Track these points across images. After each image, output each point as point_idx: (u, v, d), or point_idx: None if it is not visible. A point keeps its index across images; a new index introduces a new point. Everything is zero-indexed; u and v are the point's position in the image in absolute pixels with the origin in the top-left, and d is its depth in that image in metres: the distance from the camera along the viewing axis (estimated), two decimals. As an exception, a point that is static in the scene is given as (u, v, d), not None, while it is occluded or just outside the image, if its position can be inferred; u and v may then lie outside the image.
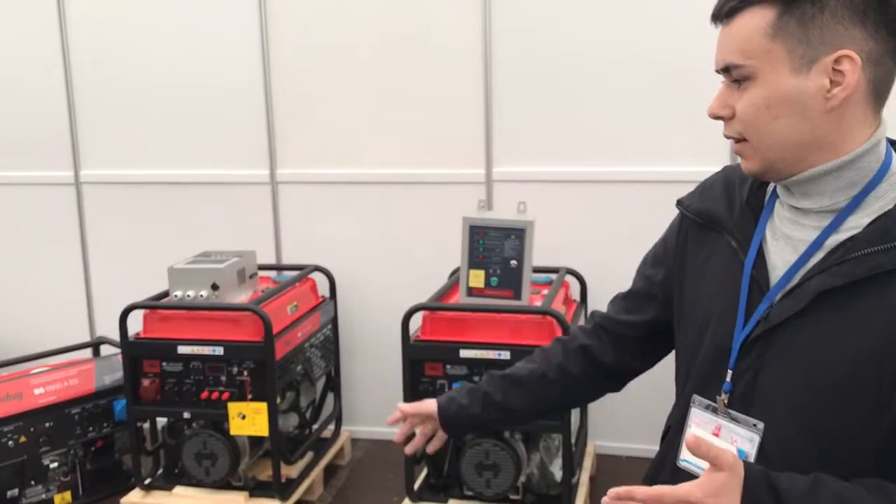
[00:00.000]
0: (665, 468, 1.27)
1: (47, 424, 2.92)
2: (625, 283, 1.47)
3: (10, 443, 2.83)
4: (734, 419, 1.12)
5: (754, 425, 1.10)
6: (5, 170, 3.66)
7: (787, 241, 1.13)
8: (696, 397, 1.19)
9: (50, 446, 2.93)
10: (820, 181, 1.08)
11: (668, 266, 1.33)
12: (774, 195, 1.18)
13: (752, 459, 1.09)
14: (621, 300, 1.43)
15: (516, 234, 2.60)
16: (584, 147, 3.15)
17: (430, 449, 1.54)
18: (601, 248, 3.15)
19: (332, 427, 3.38)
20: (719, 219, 1.22)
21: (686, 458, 1.20)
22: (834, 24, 1.01)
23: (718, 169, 1.32)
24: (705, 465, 1.00)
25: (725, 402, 1.13)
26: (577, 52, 3.10)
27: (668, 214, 1.39)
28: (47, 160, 3.61)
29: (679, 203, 1.31)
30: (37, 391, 2.92)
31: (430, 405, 1.49)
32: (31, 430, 2.88)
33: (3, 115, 3.63)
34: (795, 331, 1.07)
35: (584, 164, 3.16)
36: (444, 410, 1.47)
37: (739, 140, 1.11)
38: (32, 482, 2.91)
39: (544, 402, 1.46)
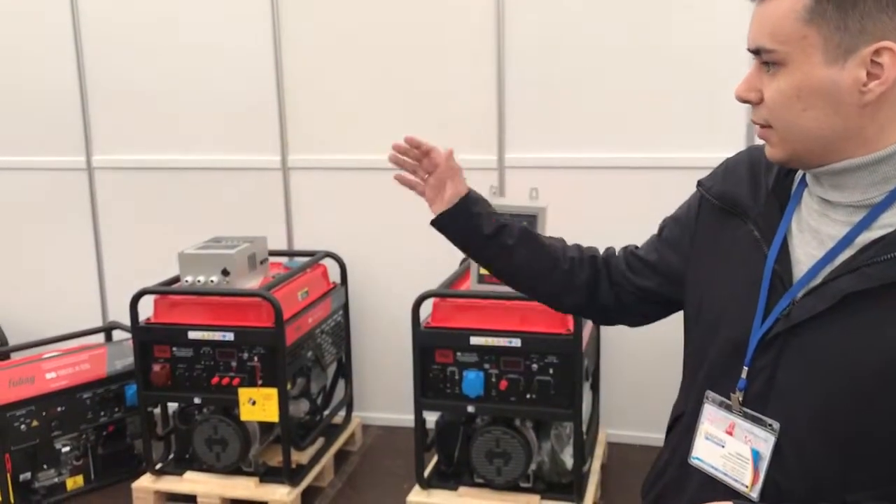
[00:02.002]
0: (673, 462, 1.23)
1: (59, 409, 2.93)
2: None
3: (23, 427, 2.84)
4: (749, 418, 1.08)
5: (770, 425, 1.06)
6: (18, 154, 3.66)
7: (813, 235, 1.07)
8: (709, 393, 1.15)
9: (62, 430, 2.95)
10: (853, 174, 1.02)
11: (682, 250, 1.27)
12: (803, 184, 1.11)
13: (766, 460, 1.06)
14: (630, 255, 1.36)
15: (529, 221, 2.57)
16: (598, 133, 3.11)
17: (404, 179, 1.45)
18: (615, 234, 3.09)
19: (342, 413, 3.37)
20: (742, 204, 1.16)
21: (698, 456, 1.16)
22: (877, 13, 0.94)
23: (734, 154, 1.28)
24: (717, 463, 0.97)
25: (740, 399, 1.09)
26: (591, 37, 3.05)
27: (681, 200, 1.36)
28: (60, 145, 3.61)
29: (700, 185, 1.25)
30: (48, 375, 2.93)
31: (460, 183, 1.39)
32: (44, 414, 2.89)
33: (17, 101, 3.62)
34: (817, 331, 1.02)
35: (597, 151, 3.12)
36: (466, 204, 1.37)
37: (765, 126, 1.06)
38: (45, 466, 2.93)
39: (538, 278, 1.37)
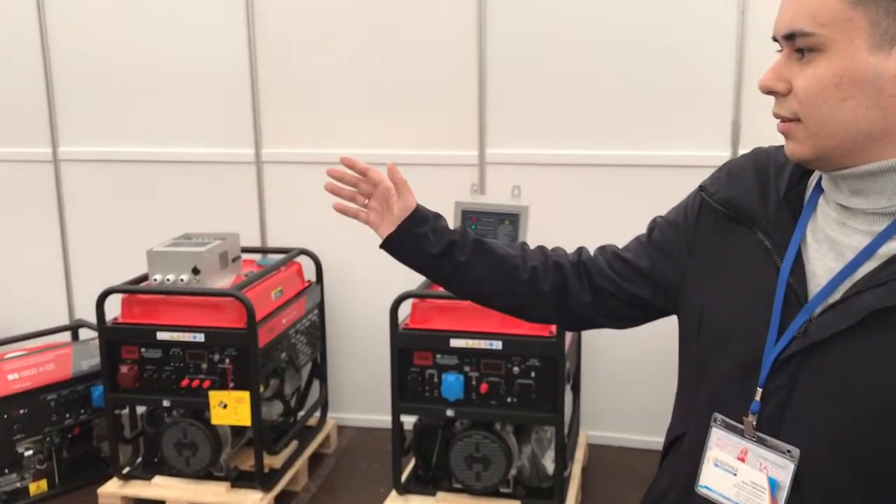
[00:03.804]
0: (674, 490, 1.14)
1: (21, 411, 2.82)
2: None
3: (-17, 430, 2.73)
4: (764, 443, 1.00)
5: (788, 451, 0.98)
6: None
7: (831, 246, 0.99)
8: (717, 416, 1.06)
9: (24, 433, 2.83)
10: (880, 178, 0.94)
11: (677, 258, 1.17)
12: (819, 190, 1.03)
13: (785, 490, 0.98)
14: (614, 257, 1.25)
15: (510, 220, 2.51)
16: (582, 129, 3.04)
17: (342, 208, 1.35)
18: (599, 232, 3.03)
19: (317, 414, 3.29)
20: (750, 212, 1.07)
21: (706, 485, 1.07)
22: None
23: (717, 153, 1.19)
24: (730, 493, 0.89)
25: (754, 423, 1.01)
26: (574, 31, 2.98)
27: (670, 198, 1.28)
28: (24, 136, 3.47)
29: (702, 189, 1.15)
30: (10, 377, 2.82)
31: (408, 199, 1.30)
32: (5, 416, 2.78)
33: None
34: (838, 350, 0.94)
35: (581, 147, 3.05)
36: (411, 223, 1.28)
37: (790, 120, 0.97)
38: (6, 470, 2.82)
39: (499, 293, 1.28)
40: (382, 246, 1.33)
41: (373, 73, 3.17)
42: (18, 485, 2.85)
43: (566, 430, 2.63)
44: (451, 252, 1.27)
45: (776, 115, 0.99)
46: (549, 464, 2.62)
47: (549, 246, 1.33)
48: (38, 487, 2.90)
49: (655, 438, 1.29)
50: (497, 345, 2.50)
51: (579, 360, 3.07)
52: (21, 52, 3.40)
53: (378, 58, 3.16)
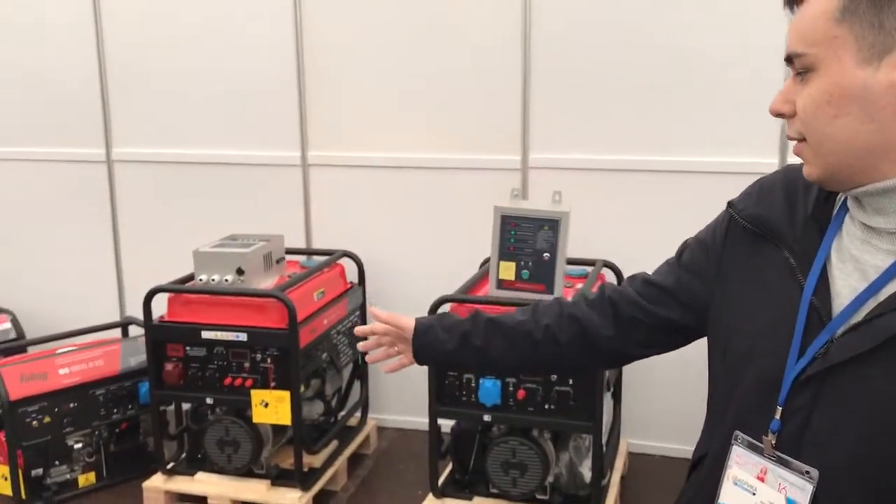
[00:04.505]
0: None
1: (72, 405, 2.90)
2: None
3: (35, 423, 2.82)
4: (783, 463, 0.99)
5: (807, 472, 0.96)
6: (38, 146, 3.63)
7: (855, 265, 0.97)
8: (738, 434, 1.05)
9: (74, 427, 2.92)
10: (894, 196, 0.93)
11: (706, 276, 1.17)
12: (844, 208, 1.02)
13: None
14: (643, 284, 1.28)
15: (550, 226, 2.49)
16: (626, 135, 3.01)
17: (389, 369, 1.47)
18: (640, 240, 3.02)
19: (358, 415, 3.31)
20: (777, 229, 1.06)
21: (725, 503, 1.07)
22: None
23: (765, 160, 1.19)
24: None
25: (773, 443, 1.00)
26: (619, 37, 2.96)
27: (712, 206, 1.27)
28: (80, 137, 3.58)
29: (730, 205, 1.15)
30: (61, 371, 2.91)
31: (406, 323, 1.42)
32: (56, 410, 2.86)
33: (37, 92, 3.60)
34: (859, 372, 0.92)
35: (624, 153, 3.02)
36: (420, 337, 1.40)
37: (801, 140, 0.98)
38: (57, 462, 2.91)
39: (525, 360, 1.38)
40: (420, 364, 1.45)
41: (417, 77, 3.19)
42: (68, 476, 2.94)
43: (605, 438, 2.61)
44: (467, 341, 1.37)
45: (789, 138, 1.00)
46: (586, 472, 2.60)
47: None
48: (86, 479, 2.98)
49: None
50: (535, 351, 2.48)
51: (620, 368, 3.04)
52: (77, 57, 3.50)
53: (423, 62, 3.17)
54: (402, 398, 3.44)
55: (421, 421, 3.37)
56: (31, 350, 3.26)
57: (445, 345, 1.37)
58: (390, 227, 3.33)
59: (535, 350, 1.32)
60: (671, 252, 1.33)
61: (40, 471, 2.87)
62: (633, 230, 3.05)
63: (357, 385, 3.32)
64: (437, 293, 2.64)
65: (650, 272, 1.30)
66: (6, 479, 2.83)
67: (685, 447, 3.11)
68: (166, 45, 3.42)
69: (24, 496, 2.84)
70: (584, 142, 3.06)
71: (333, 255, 3.20)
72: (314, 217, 3.42)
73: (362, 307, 3.29)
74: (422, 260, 3.30)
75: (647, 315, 1.24)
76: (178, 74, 3.42)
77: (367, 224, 3.36)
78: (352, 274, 3.28)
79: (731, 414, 1.07)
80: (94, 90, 3.52)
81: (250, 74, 3.35)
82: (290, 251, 3.15)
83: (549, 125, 3.08)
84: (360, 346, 1.50)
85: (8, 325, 3.44)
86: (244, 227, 3.21)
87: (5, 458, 2.82)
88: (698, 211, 1.57)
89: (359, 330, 1.48)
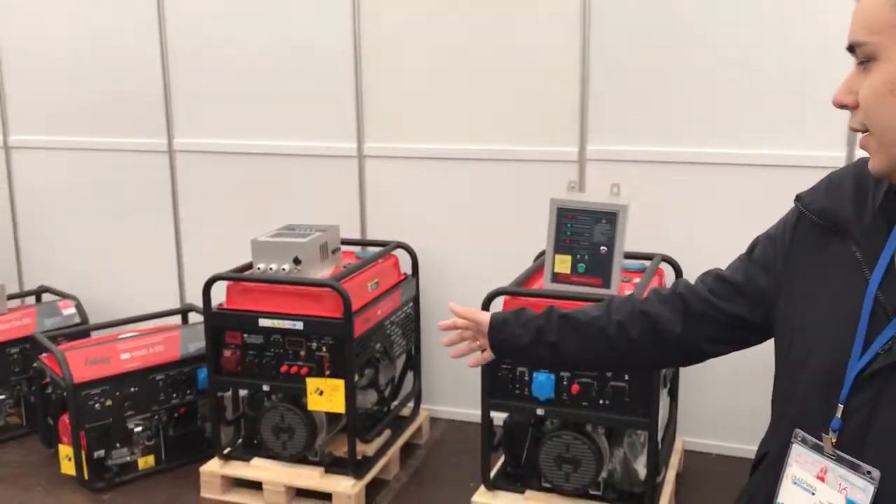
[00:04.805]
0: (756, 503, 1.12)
1: (133, 389, 2.97)
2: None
3: (97, 406, 2.89)
4: (844, 462, 0.96)
5: (868, 473, 0.93)
6: (103, 136, 3.72)
7: None
8: (798, 432, 1.03)
9: (135, 411, 2.99)
10: None
11: (774, 271, 1.15)
12: None
13: None
14: (714, 280, 1.26)
15: (607, 219, 2.46)
16: (686, 126, 2.95)
17: (474, 363, 1.49)
18: (702, 235, 2.96)
19: (411, 405, 3.33)
20: (844, 223, 1.04)
21: (783, 502, 1.04)
22: None
23: (832, 153, 1.15)
24: None
25: (834, 441, 0.97)
26: (681, 24, 2.90)
27: (777, 200, 1.24)
28: (143, 128, 3.66)
29: (798, 199, 1.13)
30: (123, 356, 2.98)
31: (482, 318, 1.44)
32: (117, 394, 2.94)
33: (102, 83, 3.69)
34: None
35: (684, 145, 2.96)
36: (496, 332, 1.41)
37: (865, 132, 0.95)
38: (118, 444, 2.98)
39: (598, 356, 1.37)
40: (499, 358, 1.47)
41: (473, 69, 3.18)
42: (129, 458, 3.02)
43: (660, 434, 2.57)
44: (541, 336, 1.37)
45: (852, 129, 0.97)
46: (640, 468, 2.57)
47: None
48: (145, 462, 3.05)
49: (755, 447, 1.25)
50: (590, 345, 2.46)
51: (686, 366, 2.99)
52: (141, 50, 3.58)
53: (479, 53, 3.15)
54: (454, 390, 3.44)
55: (472, 413, 3.37)
56: (94, 335, 3.36)
57: (520, 339, 1.38)
58: (445, 218, 3.33)
59: (609, 346, 1.32)
60: (734, 247, 1.31)
61: (102, 452, 2.95)
62: (695, 224, 2.99)
63: (410, 376, 3.33)
64: (490, 286, 2.62)
65: (722, 268, 1.28)
66: (70, 459, 2.92)
67: (744, 446, 3.06)
68: (226, 38, 3.46)
69: (86, 477, 2.92)
70: (643, 133, 3.01)
71: (388, 247, 3.21)
72: (369, 208, 3.44)
73: (415, 298, 3.29)
74: (476, 252, 3.29)
75: (717, 311, 1.23)
76: (238, 67, 3.47)
77: (422, 215, 3.36)
78: (405, 265, 3.28)
79: (792, 412, 1.05)
80: (158, 83, 3.59)
81: (308, 67, 3.38)
82: (344, 242, 3.17)
83: (608, 116, 3.04)
84: (444, 340, 1.51)
85: (72, 310, 3.53)
86: (300, 217, 3.24)
87: (69, 440, 2.90)
88: (762, 206, 1.53)
89: (442, 325, 1.50)
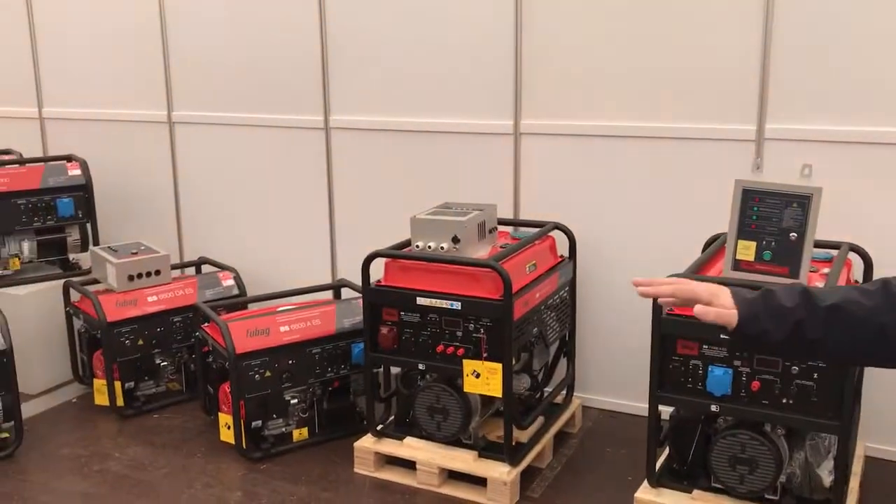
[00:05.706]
0: None
1: (290, 362, 3.01)
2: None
3: (257, 376, 2.94)
4: None
5: None
6: (265, 112, 3.78)
7: None
8: None
9: (291, 383, 3.03)
10: None
11: None
12: None
13: None
14: None
15: (799, 203, 2.26)
16: (884, 101, 2.68)
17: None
18: (891, 222, 2.69)
19: (563, 393, 3.22)
20: None
21: None
22: None
23: None
24: None
25: None
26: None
27: None
28: (301, 105, 3.69)
29: None
30: (282, 329, 3.02)
31: (728, 319, 1.22)
32: (276, 365, 2.98)
33: (264, 63, 3.73)
34: None
35: (880, 123, 2.69)
36: (746, 327, 1.21)
37: None
38: (274, 415, 3.03)
39: (872, 356, 1.17)
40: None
41: (638, 41, 3.01)
42: (284, 429, 3.06)
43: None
44: (800, 333, 1.18)
45: None
46: (825, 474, 2.36)
47: None
48: (300, 434, 3.09)
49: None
50: (774, 339, 2.27)
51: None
52: (301, 32, 3.59)
53: (644, 24, 2.98)
54: (609, 379, 3.31)
55: (628, 404, 3.25)
56: (251, 307, 3.43)
57: (771, 336, 1.20)
58: (605, 199, 3.19)
59: (888, 347, 1.14)
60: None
61: (259, 423, 3.01)
62: (885, 210, 2.72)
63: (563, 362, 3.23)
64: (654, 272, 2.45)
65: None
66: (229, 427, 2.99)
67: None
68: (383, 19, 3.43)
69: (244, 445, 2.98)
70: (828, 110, 2.75)
71: (545, 228, 3.10)
72: (523, 187, 3.34)
73: (572, 282, 3.17)
74: (638, 236, 3.13)
75: None
76: (395, 46, 3.43)
77: (580, 196, 3.23)
78: (562, 247, 3.17)
79: None
80: (316, 62, 3.60)
81: (466, 42, 3.30)
82: (499, 222, 3.09)
83: (792, 90, 2.80)
84: (640, 291, 1.39)
85: (231, 282, 3.62)
86: (451, 195, 3.18)
87: (229, 409, 2.97)
88: None
89: (638, 282, 1.39)
